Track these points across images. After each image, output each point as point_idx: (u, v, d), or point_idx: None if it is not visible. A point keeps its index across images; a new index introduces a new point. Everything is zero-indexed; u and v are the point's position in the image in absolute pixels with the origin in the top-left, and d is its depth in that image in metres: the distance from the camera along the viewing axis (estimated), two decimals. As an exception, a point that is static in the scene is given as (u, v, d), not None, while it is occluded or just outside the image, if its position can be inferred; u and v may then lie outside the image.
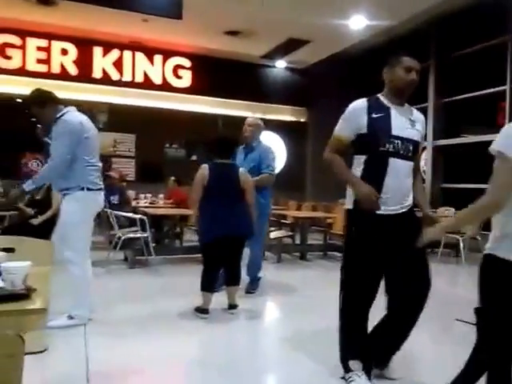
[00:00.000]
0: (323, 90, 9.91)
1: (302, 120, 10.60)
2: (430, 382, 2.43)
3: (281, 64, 10.10)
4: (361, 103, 2.29)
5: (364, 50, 9.09)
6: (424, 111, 8.64)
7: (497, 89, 7.36)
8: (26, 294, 1.45)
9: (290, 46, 8.82)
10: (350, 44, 8.72)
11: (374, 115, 2.23)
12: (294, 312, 3.84)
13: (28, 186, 3.01)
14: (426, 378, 2.49)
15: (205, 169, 3.46)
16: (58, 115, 3.12)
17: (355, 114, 2.26)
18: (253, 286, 4.26)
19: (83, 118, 3.20)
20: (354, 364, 2.27)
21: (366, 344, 2.31)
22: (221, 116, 9.77)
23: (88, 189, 3.14)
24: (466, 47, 7.84)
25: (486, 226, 6.20)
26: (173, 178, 7.56)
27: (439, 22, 8.04)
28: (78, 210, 3.11)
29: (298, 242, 6.65)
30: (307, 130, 10.55)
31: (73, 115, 3.16)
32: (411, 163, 2.27)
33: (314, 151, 10.44)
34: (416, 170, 2.36)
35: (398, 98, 2.29)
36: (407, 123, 2.26)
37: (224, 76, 9.33)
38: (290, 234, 6.82)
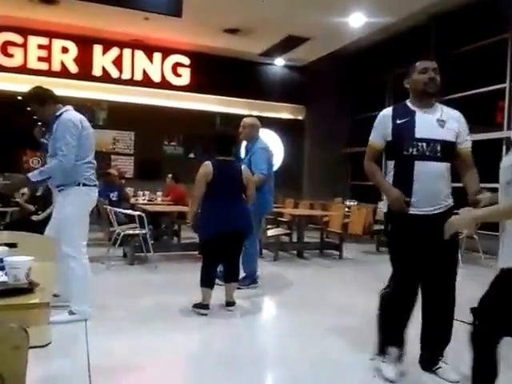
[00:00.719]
0: (322, 88, 9.93)
1: (300, 118, 10.63)
2: (424, 378, 2.47)
3: (279, 62, 10.12)
4: (387, 111, 2.42)
5: (363, 47, 9.09)
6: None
7: (496, 87, 7.32)
8: (29, 289, 1.49)
9: (288, 43, 8.82)
10: (349, 42, 8.70)
11: (398, 121, 2.34)
12: (290, 309, 3.89)
13: (34, 176, 3.04)
14: (420, 374, 2.52)
15: (208, 166, 3.47)
16: (57, 113, 3.17)
17: (382, 122, 2.40)
18: (243, 282, 4.26)
19: (82, 117, 3.24)
20: (392, 350, 2.42)
21: (404, 336, 2.46)
22: (219, 114, 9.81)
23: (84, 184, 3.19)
24: (466, 45, 7.81)
25: (483, 226, 6.28)
26: (170, 175, 7.61)
27: (438, 20, 8.03)
28: (73, 206, 3.15)
29: (294, 239, 6.71)
30: (305, 128, 10.58)
31: (72, 114, 3.20)
32: (444, 163, 2.29)
33: (312, 149, 10.49)
34: (466, 166, 2.37)
35: (423, 99, 2.36)
36: (435, 124, 2.30)
37: (223, 74, 9.35)
38: (287, 231, 6.88)
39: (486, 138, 7.26)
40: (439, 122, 2.30)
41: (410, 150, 2.26)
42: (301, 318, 3.56)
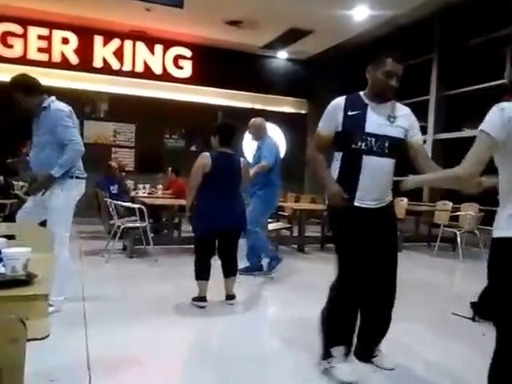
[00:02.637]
0: (324, 82, 9.87)
1: (303, 112, 10.58)
2: (423, 373, 2.47)
3: (282, 55, 10.05)
4: (339, 101, 2.32)
5: (367, 40, 9.00)
6: (425, 104, 8.68)
7: (500, 81, 7.29)
8: (27, 280, 1.47)
9: (291, 36, 8.76)
10: (353, 35, 8.65)
11: (350, 113, 2.26)
12: (290, 303, 3.88)
13: (56, 172, 3.03)
14: (419, 368, 2.52)
15: (206, 157, 3.42)
16: (44, 105, 3.11)
17: (333, 112, 2.30)
18: (244, 269, 4.46)
19: (69, 107, 3.23)
20: (337, 350, 2.32)
21: (352, 331, 2.38)
22: (221, 107, 9.76)
23: (77, 177, 3.19)
24: (471, 39, 7.74)
25: (484, 222, 6.25)
26: (170, 168, 7.57)
27: (443, 13, 7.95)
28: (65, 198, 3.13)
29: (295, 234, 6.68)
30: (307, 122, 10.53)
31: (61, 104, 3.18)
32: (390, 160, 2.27)
33: (314, 143, 10.44)
34: (423, 157, 2.32)
35: (377, 98, 2.29)
36: (385, 120, 2.25)
37: (225, 66, 9.29)
38: (288, 226, 6.85)
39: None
40: (390, 119, 2.27)
41: (359, 144, 2.22)
42: (301, 312, 3.54)
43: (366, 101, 2.29)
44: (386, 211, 2.33)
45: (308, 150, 2.44)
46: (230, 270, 3.63)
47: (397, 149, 2.29)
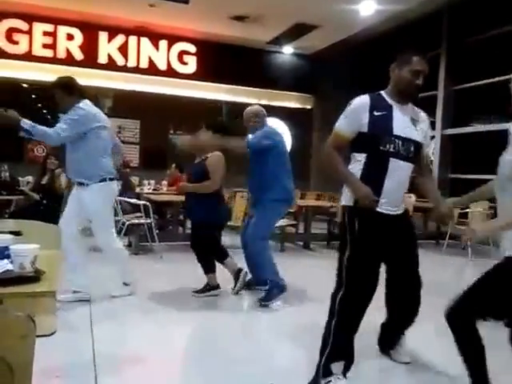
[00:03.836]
0: (330, 77, 9.80)
1: (308, 107, 10.52)
2: (429, 372, 2.48)
3: (288, 50, 9.98)
4: (363, 100, 2.20)
5: (373, 35, 8.91)
6: (433, 99, 8.60)
7: (509, 76, 7.21)
8: (35, 277, 1.46)
9: (297, 31, 8.69)
10: (359, 29, 8.56)
11: (376, 113, 2.15)
12: (296, 300, 3.86)
13: (25, 123, 3.07)
14: (424, 367, 2.52)
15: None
16: (76, 105, 3.26)
17: (357, 112, 2.17)
18: (266, 297, 3.59)
19: (97, 110, 3.39)
20: (337, 366, 2.18)
21: (352, 345, 2.23)
22: (226, 103, 9.72)
23: (110, 179, 3.37)
24: (479, 33, 7.64)
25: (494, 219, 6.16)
26: (174, 164, 7.55)
27: (451, 7, 7.84)
28: (103, 200, 3.35)
29: (301, 231, 6.65)
30: (313, 118, 10.48)
31: (88, 105, 3.32)
32: (411, 165, 2.21)
33: (320, 139, 10.37)
34: (427, 169, 2.36)
35: (402, 98, 2.22)
36: (409, 123, 2.19)
37: (229, 62, 9.25)
38: (294, 222, 6.82)
39: (500, 128, 7.12)
40: (413, 122, 2.21)
41: (387, 146, 2.11)
42: (306, 310, 3.52)
43: (390, 101, 2.21)
44: (404, 218, 2.29)
45: (326, 150, 2.27)
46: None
47: (418, 153, 2.23)
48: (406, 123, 2.18)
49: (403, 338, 2.55)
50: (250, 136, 3.68)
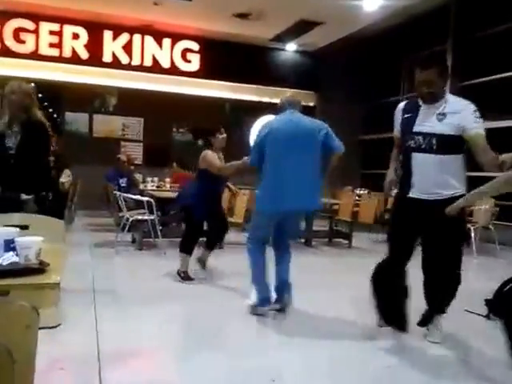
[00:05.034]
0: (334, 74, 9.78)
1: (311, 104, 10.52)
2: (434, 369, 2.47)
3: (291, 47, 9.97)
4: (400, 106, 2.71)
5: (378, 31, 8.85)
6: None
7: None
8: (40, 269, 1.50)
9: (301, 28, 8.67)
10: (363, 25, 8.50)
11: (406, 115, 2.61)
12: (298, 295, 3.90)
13: None
14: (430, 364, 2.52)
15: None
16: None
17: (396, 116, 2.71)
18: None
19: None
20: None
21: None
22: (229, 100, 9.75)
23: None
24: (487, 28, 7.55)
25: (499, 217, 6.16)
26: (174, 162, 7.60)
27: (458, 1, 7.77)
28: None
29: (302, 228, 6.67)
30: (316, 115, 10.47)
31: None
32: (441, 156, 2.46)
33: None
34: (479, 149, 2.45)
35: (423, 102, 2.55)
36: (434, 118, 2.47)
37: (233, 60, 9.26)
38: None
39: (506, 125, 7.07)
40: (439, 116, 2.47)
41: (409, 142, 2.53)
42: (308, 307, 3.56)
43: (420, 103, 2.57)
44: (439, 206, 2.46)
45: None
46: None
47: (448, 145, 2.47)
48: (430, 119, 2.48)
49: (437, 318, 2.72)
50: None
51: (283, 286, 3.24)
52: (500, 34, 7.44)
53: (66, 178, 5.33)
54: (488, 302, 3.36)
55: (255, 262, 3.19)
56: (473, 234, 6.14)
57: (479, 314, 3.35)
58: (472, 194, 2.37)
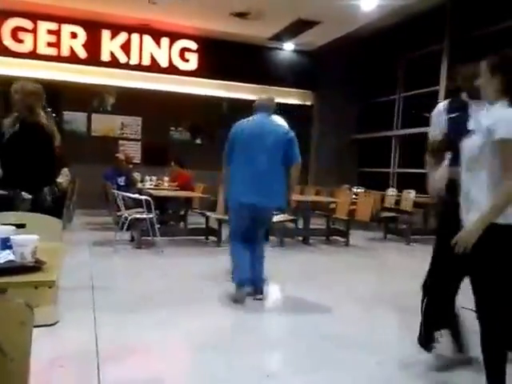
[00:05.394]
0: (331, 73, 9.80)
1: (309, 103, 10.54)
2: (431, 365, 2.46)
3: (289, 46, 9.99)
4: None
5: (375, 31, 8.87)
6: (435, 95, 8.59)
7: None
8: (36, 267, 1.50)
9: (298, 27, 8.67)
10: (360, 25, 8.51)
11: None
12: (297, 294, 3.94)
13: None
14: (426, 361, 2.48)
15: None
16: None
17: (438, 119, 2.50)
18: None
19: None
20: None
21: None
22: (226, 99, 9.77)
23: None
24: (483, 28, 7.53)
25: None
26: (172, 161, 7.62)
27: (454, 2, 7.76)
28: None
29: (300, 226, 6.72)
30: (313, 114, 10.50)
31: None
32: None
33: (320, 135, 10.40)
34: None
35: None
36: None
37: (231, 59, 9.28)
38: (293, 218, 6.88)
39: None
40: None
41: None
42: (306, 303, 3.60)
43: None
44: None
45: None
46: None
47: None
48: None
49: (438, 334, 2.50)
50: None
51: (257, 280, 3.55)
52: (496, 34, 7.45)
53: (63, 177, 5.34)
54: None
55: (235, 250, 3.52)
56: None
57: (475, 311, 3.38)
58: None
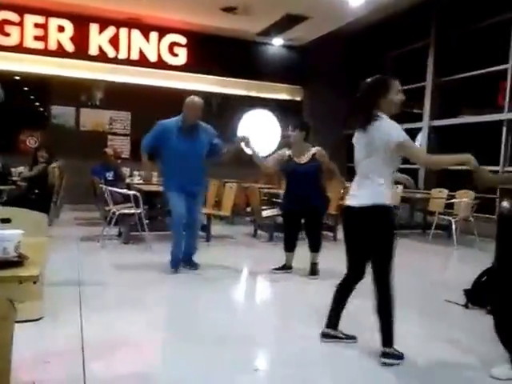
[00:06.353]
0: (320, 69, 9.84)
1: (298, 99, 10.57)
2: (413, 359, 2.50)
3: (278, 41, 9.99)
4: None
5: (363, 27, 8.93)
6: (421, 91, 8.66)
7: (498, 67, 7.21)
8: (18, 262, 1.50)
9: (287, 22, 8.69)
10: (349, 20, 8.55)
11: None
12: (286, 287, 3.97)
13: None
14: (409, 354, 2.51)
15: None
16: None
17: None
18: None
19: None
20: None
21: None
22: (216, 94, 9.75)
23: None
24: (468, 25, 7.66)
25: (479, 210, 6.29)
26: None
27: (441, -2, 7.87)
28: None
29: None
30: (303, 110, 10.53)
31: None
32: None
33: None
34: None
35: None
36: None
37: (220, 54, 9.26)
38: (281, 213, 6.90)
39: (487, 119, 7.20)
40: None
41: None
42: (296, 297, 3.64)
43: None
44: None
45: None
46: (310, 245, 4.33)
47: None
48: None
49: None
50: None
51: (190, 252, 4.27)
52: (482, 30, 7.55)
53: (56, 170, 5.35)
54: (466, 292, 3.48)
55: (176, 231, 4.10)
56: (453, 226, 6.30)
57: (458, 304, 3.46)
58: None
